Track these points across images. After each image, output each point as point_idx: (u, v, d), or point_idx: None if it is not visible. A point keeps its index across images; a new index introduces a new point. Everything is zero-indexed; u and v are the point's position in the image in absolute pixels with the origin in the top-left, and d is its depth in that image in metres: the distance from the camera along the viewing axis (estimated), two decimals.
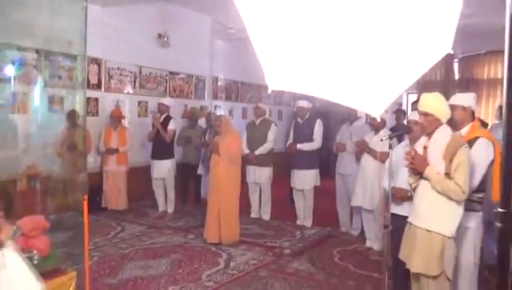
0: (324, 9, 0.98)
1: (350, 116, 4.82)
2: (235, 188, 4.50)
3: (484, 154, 2.49)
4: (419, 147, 2.42)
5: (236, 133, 4.70)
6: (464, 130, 2.61)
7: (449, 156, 2.24)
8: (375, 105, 1.26)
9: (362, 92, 1.20)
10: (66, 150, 4.86)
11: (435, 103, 2.34)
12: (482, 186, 2.51)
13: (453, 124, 2.58)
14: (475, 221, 2.51)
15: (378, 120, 4.07)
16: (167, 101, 5.87)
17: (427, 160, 2.31)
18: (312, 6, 0.99)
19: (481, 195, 2.53)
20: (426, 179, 2.30)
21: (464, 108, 2.61)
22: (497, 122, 4.76)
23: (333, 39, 1.03)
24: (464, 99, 2.67)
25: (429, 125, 2.34)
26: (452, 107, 2.55)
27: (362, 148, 4.25)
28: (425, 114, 2.34)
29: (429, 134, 2.36)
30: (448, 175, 2.23)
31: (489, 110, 7.53)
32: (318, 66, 1.13)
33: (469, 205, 2.39)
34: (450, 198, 2.23)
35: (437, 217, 2.27)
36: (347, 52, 1.07)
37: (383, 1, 0.96)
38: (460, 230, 2.39)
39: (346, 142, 4.76)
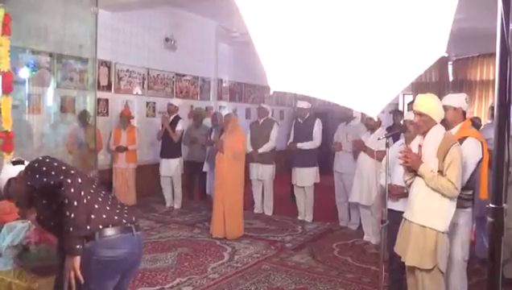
0: (322, 14, 1.02)
1: (346, 116, 4.90)
2: (239, 184, 4.58)
3: (472, 153, 2.52)
4: (414, 146, 2.47)
5: (241, 132, 4.78)
6: (454, 130, 2.64)
7: (442, 154, 2.29)
8: (372, 106, 1.27)
9: (360, 93, 1.21)
10: (77, 148, 5.03)
11: (429, 104, 2.40)
12: (471, 184, 2.55)
13: (445, 124, 2.61)
14: (464, 218, 2.55)
15: (375, 120, 4.14)
16: (176, 101, 5.97)
17: (422, 158, 2.36)
18: (311, 13, 1.03)
19: (469, 192, 2.56)
20: (420, 176, 2.35)
21: (455, 108, 2.66)
22: (490, 121, 4.78)
23: (332, 43, 1.07)
24: (455, 100, 2.71)
25: (423, 124, 2.39)
26: (444, 108, 2.57)
27: (359, 147, 4.33)
28: (420, 114, 2.40)
29: (423, 134, 2.42)
30: (441, 172, 2.29)
31: (481, 110, 7.60)
32: (318, 68, 1.15)
33: (458, 202, 2.41)
34: (443, 195, 2.28)
35: (431, 212, 2.32)
36: (345, 55, 1.10)
37: (380, 5, 1.00)
38: (450, 226, 2.41)
39: (342, 141, 4.84)
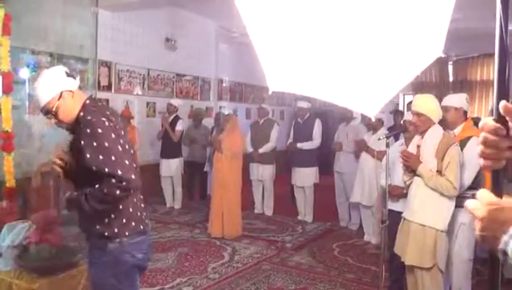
0: (321, 14, 1.03)
1: (346, 116, 4.91)
2: (237, 184, 4.60)
3: (476, 152, 2.54)
4: (412, 146, 2.51)
5: (240, 132, 4.80)
6: (457, 130, 2.65)
7: (441, 154, 2.33)
8: (370, 106, 1.26)
9: (358, 93, 1.21)
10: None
11: (427, 104, 2.44)
12: (475, 183, 2.52)
13: (446, 124, 2.63)
14: (468, 217, 2.40)
15: (373, 120, 4.14)
16: (175, 101, 5.98)
17: (420, 158, 2.40)
18: (309, 13, 1.04)
19: (474, 192, 2.55)
20: (419, 176, 2.38)
21: (456, 109, 2.65)
22: None
23: (330, 42, 1.07)
24: (456, 100, 2.70)
25: (421, 124, 2.43)
26: (445, 108, 2.60)
27: (361, 147, 4.34)
28: (417, 114, 2.44)
29: (422, 133, 2.45)
30: (439, 172, 2.32)
31: (481, 110, 7.61)
32: (316, 68, 1.15)
33: (463, 202, 2.44)
34: (442, 194, 2.31)
35: (430, 212, 2.34)
36: (343, 55, 1.10)
37: (377, 5, 1.00)
38: (455, 226, 2.46)
39: (343, 141, 4.86)
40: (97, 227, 1.69)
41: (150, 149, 6.32)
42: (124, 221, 1.68)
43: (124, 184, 1.56)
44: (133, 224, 1.71)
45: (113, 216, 1.67)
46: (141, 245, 1.76)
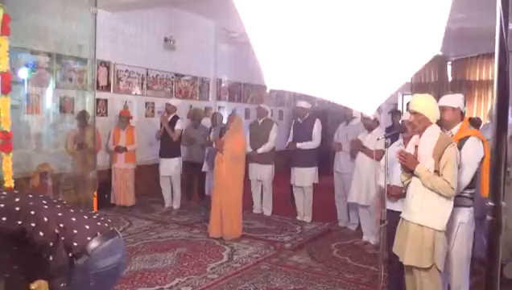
0: (318, 13, 1.03)
1: (346, 116, 4.92)
2: (238, 184, 4.58)
3: (474, 152, 2.52)
4: (410, 146, 2.51)
5: (243, 133, 4.82)
6: (454, 130, 2.65)
7: (438, 154, 2.33)
8: (368, 104, 1.28)
9: (356, 91, 1.22)
10: (76, 148, 5.03)
11: (424, 103, 2.45)
12: (473, 182, 2.55)
13: (444, 124, 2.64)
14: (467, 216, 2.55)
15: (372, 118, 4.14)
16: (174, 101, 5.98)
17: (418, 158, 2.40)
18: (307, 12, 1.04)
19: (472, 191, 2.56)
20: (417, 176, 2.39)
21: (453, 109, 2.66)
22: (489, 121, 4.79)
23: (327, 41, 1.08)
24: (453, 100, 2.71)
25: (418, 124, 2.43)
26: (442, 108, 2.60)
27: (356, 147, 4.34)
28: (414, 113, 2.44)
29: (419, 133, 2.46)
30: (437, 172, 2.32)
31: (480, 110, 7.61)
32: (314, 66, 1.16)
33: (461, 201, 2.46)
34: (440, 194, 2.31)
35: (428, 212, 2.34)
36: (341, 54, 1.10)
37: (374, 4, 1.01)
38: (453, 225, 2.46)
39: (342, 141, 4.86)
40: (51, 259, 1.52)
41: (149, 149, 6.34)
42: (75, 231, 1.54)
43: (33, 224, 1.49)
44: (87, 227, 1.57)
45: (57, 231, 1.51)
46: (113, 248, 1.61)
